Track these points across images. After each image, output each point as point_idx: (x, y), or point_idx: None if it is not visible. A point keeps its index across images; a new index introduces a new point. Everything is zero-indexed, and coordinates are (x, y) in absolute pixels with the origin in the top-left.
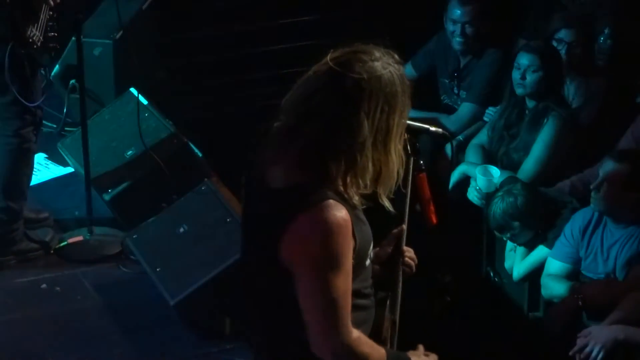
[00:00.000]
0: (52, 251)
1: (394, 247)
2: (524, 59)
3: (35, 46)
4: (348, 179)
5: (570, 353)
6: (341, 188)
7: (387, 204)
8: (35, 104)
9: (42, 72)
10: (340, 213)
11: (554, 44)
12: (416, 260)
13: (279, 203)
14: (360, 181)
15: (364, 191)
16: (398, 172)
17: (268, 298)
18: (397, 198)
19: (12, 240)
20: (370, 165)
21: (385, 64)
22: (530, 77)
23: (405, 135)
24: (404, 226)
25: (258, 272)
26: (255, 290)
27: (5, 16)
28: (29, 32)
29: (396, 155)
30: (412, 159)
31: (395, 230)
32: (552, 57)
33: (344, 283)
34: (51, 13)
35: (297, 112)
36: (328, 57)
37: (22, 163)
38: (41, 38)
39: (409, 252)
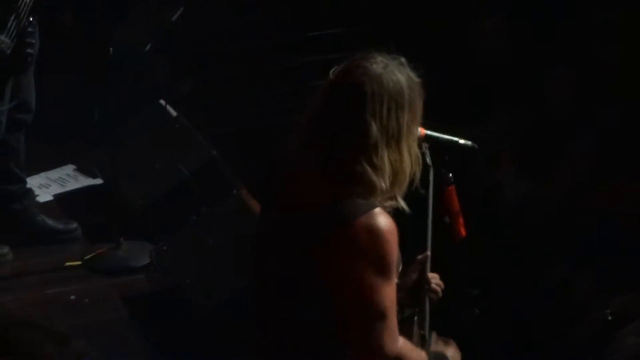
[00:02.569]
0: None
1: (418, 274)
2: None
3: (2, 53)
4: (372, 184)
5: None
6: (370, 197)
7: (403, 204)
8: None
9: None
10: (389, 220)
11: None
12: (442, 286)
13: (320, 221)
14: (382, 183)
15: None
16: (414, 173)
17: (305, 317)
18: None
19: None
20: (387, 165)
21: (386, 65)
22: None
23: (425, 145)
24: (429, 252)
25: (294, 291)
26: (287, 309)
27: None
28: None
29: (410, 155)
30: (431, 171)
31: (419, 257)
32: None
33: (392, 292)
34: (30, 19)
35: (310, 129)
36: (330, 73)
37: None
38: (11, 45)
39: (435, 279)
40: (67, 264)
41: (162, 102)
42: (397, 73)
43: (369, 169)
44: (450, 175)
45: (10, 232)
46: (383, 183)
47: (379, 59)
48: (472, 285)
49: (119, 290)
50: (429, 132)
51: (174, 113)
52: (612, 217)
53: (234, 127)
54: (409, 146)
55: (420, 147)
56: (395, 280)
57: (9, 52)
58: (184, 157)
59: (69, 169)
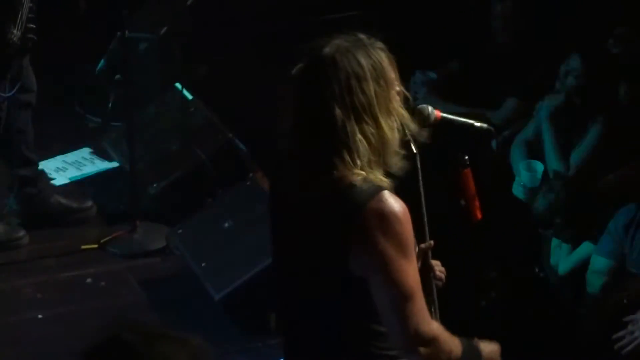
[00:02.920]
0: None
1: (422, 262)
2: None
3: (15, 46)
4: (363, 162)
5: (614, 337)
6: (374, 177)
7: (397, 171)
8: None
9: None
10: (399, 202)
11: None
12: (445, 272)
13: (332, 206)
14: (364, 159)
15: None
16: (399, 134)
17: (328, 302)
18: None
19: None
20: (361, 142)
21: (341, 43)
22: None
23: (408, 133)
24: (432, 242)
25: (317, 277)
26: (310, 294)
27: None
28: (9, 35)
29: (389, 121)
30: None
31: (422, 245)
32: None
33: (416, 272)
34: (31, 5)
35: (291, 125)
36: (294, 70)
37: None
38: (20, 35)
39: (438, 266)
40: (84, 247)
41: (179, 85)
42: (352, 49)
43: (351, 149)
44: (466, 157)
45: (26, 215)
46: (365, 158)
47: (332, 42)
48: (488, 268)
49: (135, 274)
50: (444, 115)
51: (190, 96)
52: (628, 200)
53: (250, 108)
54: (388, 113)
55: (404, 135)
56: (415, 259)
57: (19, 42)
58: (201, 140)
59: (86, 152)
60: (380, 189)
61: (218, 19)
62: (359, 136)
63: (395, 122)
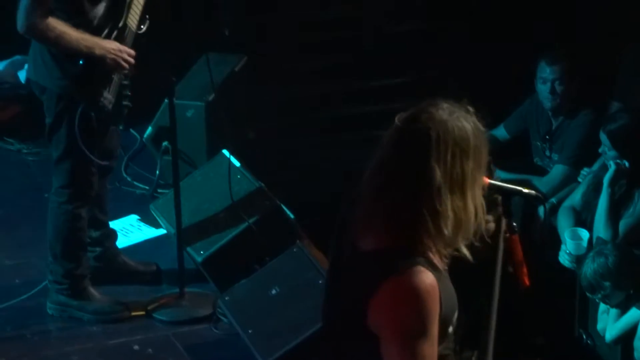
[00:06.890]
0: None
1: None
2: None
3: (106, 109)
4: (432, 232)
5: None
6: (428, 251)
7: (467, 253)
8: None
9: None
10: (428, 279)
11: None
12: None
13: (367, 268)
14: (444, 230)
15: (447, 250)
16: (477, 220)
17: None
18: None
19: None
20: (450, 212)
21: (452, 111)
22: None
23: (498, 197)
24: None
25: (344, 336)
26: (341, 355)
27: (78, 77)
28: (101, 98)
29: (474, 203)
30: (503, 220)
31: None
32: None
33: (431, 349)
34: (126, 72)
35: (374, 175)
36: (396, 118)
37: (61, 224)
38: (113, 100)
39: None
40: (131, 313)
41: (226, 152)
42: (462, 120)
43: (428, 216)
44: (514, 224)
45: (96, 274)
46: (445, 230)
47: (445, 105)
48: (535, 334)
49: (182, 340)
50: (492, 182)
51: (237, 163)
52: None
53: (297, 175)
54: (474, 195)
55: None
56: (435, 337)
57: (110, 106)
58: (248, 207)
59: (133, 219)
60: (415, 262)
61: (267, 84)
62: (450, 206)
63: (477, 205)
